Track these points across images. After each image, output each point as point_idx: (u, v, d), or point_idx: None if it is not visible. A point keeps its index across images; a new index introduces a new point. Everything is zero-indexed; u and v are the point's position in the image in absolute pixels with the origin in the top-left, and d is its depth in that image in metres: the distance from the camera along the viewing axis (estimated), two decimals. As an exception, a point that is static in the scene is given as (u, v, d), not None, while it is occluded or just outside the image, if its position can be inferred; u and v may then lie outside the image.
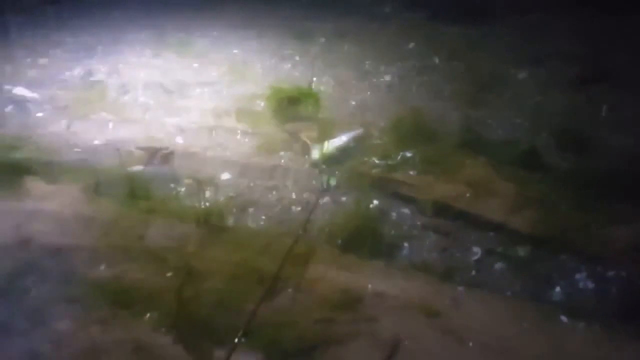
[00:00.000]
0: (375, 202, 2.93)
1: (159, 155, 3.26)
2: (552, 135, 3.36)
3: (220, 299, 2.30)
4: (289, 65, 4.42)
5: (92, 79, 4.19)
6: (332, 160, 3.15)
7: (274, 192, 3.02)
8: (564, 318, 2.22)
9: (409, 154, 3.23)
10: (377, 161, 3.22)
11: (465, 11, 4.98)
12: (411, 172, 3.12)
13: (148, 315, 2.26)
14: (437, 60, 4.43)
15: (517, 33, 4.71)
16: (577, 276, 2.43)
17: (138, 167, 3.18)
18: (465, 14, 4.95)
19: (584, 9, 4.85)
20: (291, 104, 3.60)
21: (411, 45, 4.67)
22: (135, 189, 2.92)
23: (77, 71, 4.28)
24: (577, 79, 4.02)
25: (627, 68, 4.11)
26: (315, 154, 3.19)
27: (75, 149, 3.35)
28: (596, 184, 2.85)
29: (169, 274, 2.44)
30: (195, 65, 4.40)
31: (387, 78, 4.22)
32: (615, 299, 2.30)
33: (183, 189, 3.01)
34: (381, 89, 4.09)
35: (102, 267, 2.51)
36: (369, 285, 2.36)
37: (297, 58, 4.52)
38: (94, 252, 2.58)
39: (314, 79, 4.09)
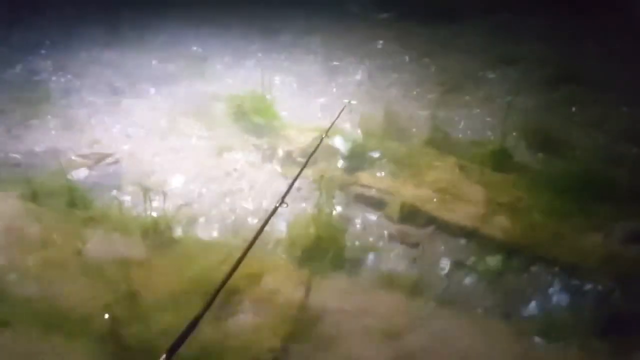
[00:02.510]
0: (339, 208, 2.74)
1: (103, 162, 3.00)
2: (523, 136, 3.25)
3: (164, 323, 2.06)
4: (252, 64, 4.20)
5: (35, 78, 3.89)
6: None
7: (227, 200, 2.80)
8: (536, 338, 2.05)
9: (376, 155, 3.06)
10: (342, 162, 3.04)
11: (434, 11, 4.88)
12: (378, 175, 2.94)
13: (82, 341, 2.01)
14: (406, 59, 4.28)
15: (486, 33, 4.64)
16: (551, 290, 2.28)
17: (79, 175, 2.92)
18: (435, 14, 4.85)
19: (552, 10, 4.82)
20: (248, 109, 3.38)
21: (380, 44, 4.51)
22: (75, 198, 2.67)
23: (20, 69, 3.97)
24: (547, 79, 3.96)
25: (596, 68, 4.06)
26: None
27: (13, 156, 3.07)
28: (569, 187, 2.72)
29: (107, 294, 2.19)
30: (152, 61, 4.14)
31: (356, 77, 4.05)
32: (591, 313, 2.15)
33: (128, 198, 2.77)
34: (349, 88, 3.92)
35: (35, 286, 2.25)
36: (328, 304, 2.15)
37: (260, 55, 4.31)
38: (27, 268, 2.32)
39: (276, 79, 3.89)
